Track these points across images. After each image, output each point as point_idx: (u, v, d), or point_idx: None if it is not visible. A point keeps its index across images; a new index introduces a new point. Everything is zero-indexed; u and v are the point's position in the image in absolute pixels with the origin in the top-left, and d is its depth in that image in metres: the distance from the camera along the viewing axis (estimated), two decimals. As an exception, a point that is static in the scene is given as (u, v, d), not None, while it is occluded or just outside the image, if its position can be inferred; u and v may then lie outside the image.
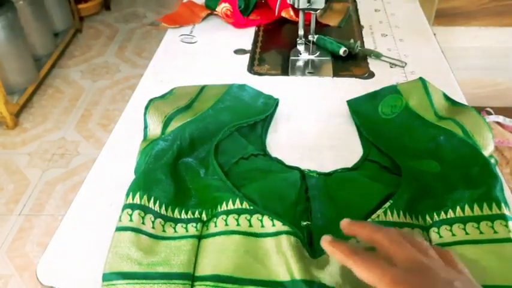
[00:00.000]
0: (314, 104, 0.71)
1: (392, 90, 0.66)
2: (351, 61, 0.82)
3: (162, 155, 0.54)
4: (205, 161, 0.56)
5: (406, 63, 0.80)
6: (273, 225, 0.46)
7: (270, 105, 0.68)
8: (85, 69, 2.29)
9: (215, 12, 0.97)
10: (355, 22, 0.96)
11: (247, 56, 0.85)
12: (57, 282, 0.47)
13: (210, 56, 0.85)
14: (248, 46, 0.88)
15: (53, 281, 0.47)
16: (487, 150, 0.55)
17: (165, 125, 0.60)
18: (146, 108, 0.63)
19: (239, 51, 0.87)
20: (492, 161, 0.54)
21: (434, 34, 0.91)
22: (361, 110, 0.67)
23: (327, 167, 0.58)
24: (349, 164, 0.59)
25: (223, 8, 0.94)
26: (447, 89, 0.67)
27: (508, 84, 1.42)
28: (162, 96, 0.67)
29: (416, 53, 0.83)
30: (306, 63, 0.83)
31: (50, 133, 1.89)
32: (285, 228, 0.45)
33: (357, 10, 1.00)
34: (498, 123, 1.30)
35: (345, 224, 0.42)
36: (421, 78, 0.65)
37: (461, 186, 0.49)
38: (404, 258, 0.36)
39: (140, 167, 0.54)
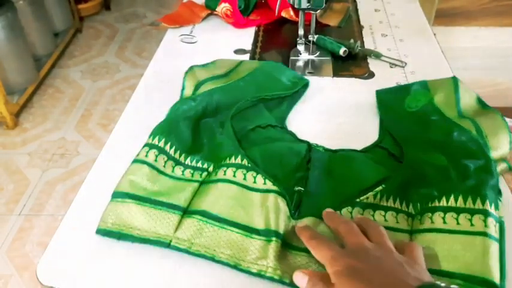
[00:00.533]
0: (314, 104, 0.71)
1: (422, 86, 0.68)
2: (351, 61, 0.82)
3: (188, 111, 0.61)
4: (223, 124, 0.62)
5: (406, 63, 0.80)
6: (264, 183, 0.51)
7: (299, 85, 0.72)
8: (85, 69, 2.29)
9: (215, 12, 0.97)
10: (355, 22, 0.96)
11: (247, 56, 0.85)
12: (57, 282, 0.47)
13: (210, 56, 0.85)
14: (248, 46, 0.88)
15: (53, 281, 0.47)
16: (498, 152, 0.54)
17: (196, 87, 0.67)
18: (186, 73, 0.71)
19: (239, 51, 0.87)
20: (504, 165, 0.54)
21: (434, 34, 0.91)
22: (387, 101, 0.69)
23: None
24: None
25: (223, 8, 0.94)
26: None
27: (508, 84, 1.42)
28: (204, 65, 0.74)
29: (416, 53, 0.83)
30: (306, 63, 0.83)
31: (50, 133, 1.89)
32: (274, 188, 0.50)
33: (356, 10, 1.00)
34: (498, 123, 1.29)
35: (324, 212, 0.49)
36: (454, 78, 0.67)
37: (456, 179, 0.50)
38: (352, 243, 0.43)
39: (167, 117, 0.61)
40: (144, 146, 0.56)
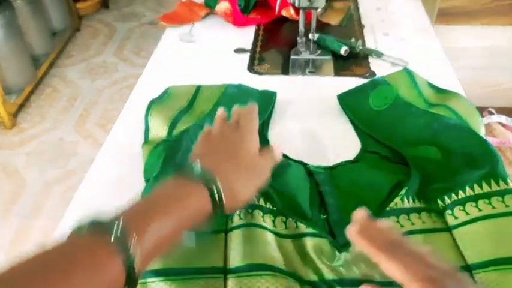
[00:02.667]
0: (315, 104, 0.71)
1: (381, 82, 0.67)
2: (351, 60, 0.81)
3: (171, 157, 0.55)
4: None
5: (407, 63, 0.79)
6: (297, 227, 0.47)
7: (269, 100, 0.69)
8: (83, 69, 2.28)
9: (215, 11, 0.96)
10: (356, 21, 0.95)
11: (247, 55, 0.84)
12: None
13: (209, 55, 0.85)
14: (248, 45, 0.88)
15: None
16: (479, 132, 0.57)
17: (171, 127, 0.61)
18: (148, 110, 0.64)
19: (239, 51, 0.86)
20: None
21: (436, 33, 0.90)
22: (351, 104, 0.68)
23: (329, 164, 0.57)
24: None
25: (223, 6, 0.93)
26: (449, 88, 0.67)
27: (510, 84, 1.41)
28: (160, 97, 0.68)
29: (417, 52, 0.83)
30: (307, 62, 0.82)
31: (48, 133, 1.88)
32: (309, 230, 0.46)
33: (358, 9, 1.00)
34: (500, 123, 1.29)
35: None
36: (406, 69, 0.68)
37: (465, 167, 0.51)
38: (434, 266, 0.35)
39: (151, 169, 0.55)
40: None
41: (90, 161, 0.61)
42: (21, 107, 1.99)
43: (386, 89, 0.65)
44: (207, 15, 0.98)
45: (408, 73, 0.67)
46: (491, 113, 1.32)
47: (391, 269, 0.35)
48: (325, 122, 0.67)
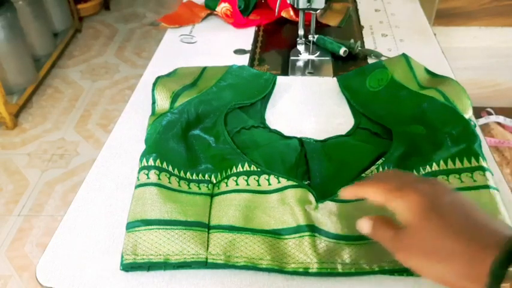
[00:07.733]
0: (314, 104, 0.71)
1: (378, 65, 0.72)
2: (351, 61, 0.82)
3: (171, 127, 0.59)
4: (213, 130, 0.61)
5: (406, 63, 0.80)
6: (279, 182, 0.51)
7: (269, 82, 0.73)
8: (84, 70, 2.29)
9: (215, 12, 0.97)
10: (355, 22, 0.96)
11: (247, 56, 0.85)
12: (57, 283, 0.46)
13: (209, 56, 0.85)
14: (248, 46, 0.88)
15: (52, 281, 0.47)
16: (467, 114, 0.61)
17: (173, 100, 0.65)
18: (154, 84, 0.68)
19: (239, 51, 0.87)
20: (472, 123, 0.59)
21: (435, 34, 0.91)
22: (350, 85, 0.72)
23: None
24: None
25: (223, 8, 0.94)
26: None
27: (508, 84, 1.42)
28: (168, 75, 0.72)
29: (416, 53, 0.83)
30: (306, 63, 0.82)
31: (50, 133, 1.88)
32: (290, 183, 0.51)
33: (357, 10, 1.00)
34: (498, 123, 1.29)
35: (344, 192, 0.44)
36: (404, 54, 0.72)
37: (445, 144, 0.54)
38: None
39: (151, 137, 0.59)
40: (140, 171, 0.53)
41: (92, 161, 0.61)
42: (23, 107, 2.00)
43: (383, 71, 0.70)
44: (207, 16, 0.98)
45: (405, 58, 0.71)
46: (489, 113, 1.33)
47: (368, 193, 0.40)
48: (325, 124, 0.67)
